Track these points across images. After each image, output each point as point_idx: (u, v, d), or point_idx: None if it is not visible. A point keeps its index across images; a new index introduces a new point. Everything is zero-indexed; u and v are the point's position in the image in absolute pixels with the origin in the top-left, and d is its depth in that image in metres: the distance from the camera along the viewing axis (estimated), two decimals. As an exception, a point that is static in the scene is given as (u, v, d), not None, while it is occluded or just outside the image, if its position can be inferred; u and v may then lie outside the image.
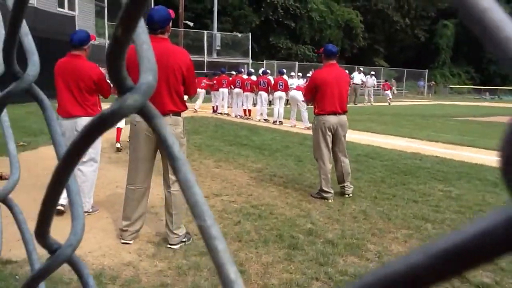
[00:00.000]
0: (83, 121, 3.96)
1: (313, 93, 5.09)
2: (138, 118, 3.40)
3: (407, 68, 37.69)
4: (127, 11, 0.22)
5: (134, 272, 3.05)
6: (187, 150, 3.93)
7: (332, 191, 4.98)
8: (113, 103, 0.26)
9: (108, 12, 21.64)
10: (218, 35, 27.61)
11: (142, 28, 0.26)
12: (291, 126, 12.00)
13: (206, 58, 26.18)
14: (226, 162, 6.74)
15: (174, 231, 3.49)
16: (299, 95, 11.60)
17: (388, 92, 24.82)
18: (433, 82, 38.99)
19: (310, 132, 10.82)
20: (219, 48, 27.66)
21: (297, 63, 29.85)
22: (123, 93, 0.26)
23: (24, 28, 0.39)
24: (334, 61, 5.10)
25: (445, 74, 42.28)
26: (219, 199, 4.82)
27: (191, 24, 25.21)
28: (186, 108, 3.58)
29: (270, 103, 14.16)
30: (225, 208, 4.46)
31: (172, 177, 3.50)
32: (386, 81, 29.97)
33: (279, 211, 4.45)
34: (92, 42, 4.16)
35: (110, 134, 7.42)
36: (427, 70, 38.42)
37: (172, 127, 3.42)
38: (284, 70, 14.50)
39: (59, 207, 4.23)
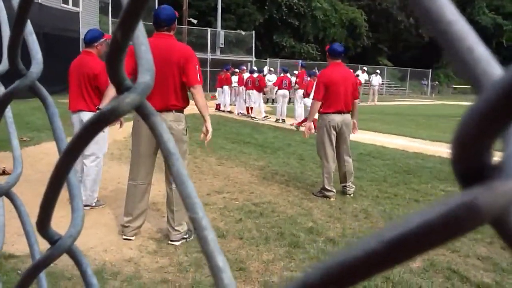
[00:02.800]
0: (86, 115, 4.08)
1: (323, 92, 5.00)
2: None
3: (411, 68, 37.59)
4: (126, 14, 0.23)
5: (135, 268, 3.07)
6: (189, 147, 3.95)
7: (334, 190, 4.99)
8: (111, 101, 0.27)
9: (112, 8, 21.66)
10: (221, 32, 27.56)
11: (141, 30, 0.27)
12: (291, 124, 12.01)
13: (209, 56, 26.17)
14: (229, 160, 6.76)
15: (176, 228, 3.51)
16: (301, 92, 12.19)
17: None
18: (436, 82, 38.85)
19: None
20: (222, 46, 27.62)
21: (300, 61, 29.78)
22: (122, 92, 0.27)
23: (29, 27, 0.40)
24: (339, 61, 5.08)
25: (449, 74, 42.10)
26: (221, 196, 4.83)
27: (195, 21, 25.19)
28: (188, 103, 3.57)
29: (273, 101, 14.16)
30: (226, 206, 4.47)
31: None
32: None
33: (280, 209, 4.46)
34: (104, 40, 4.27)
35: (112, 130, 7.44)
36: (430, 70, 38.30)
37: (174, 124, 3.44)
38: (287, 68, 14.49)
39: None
